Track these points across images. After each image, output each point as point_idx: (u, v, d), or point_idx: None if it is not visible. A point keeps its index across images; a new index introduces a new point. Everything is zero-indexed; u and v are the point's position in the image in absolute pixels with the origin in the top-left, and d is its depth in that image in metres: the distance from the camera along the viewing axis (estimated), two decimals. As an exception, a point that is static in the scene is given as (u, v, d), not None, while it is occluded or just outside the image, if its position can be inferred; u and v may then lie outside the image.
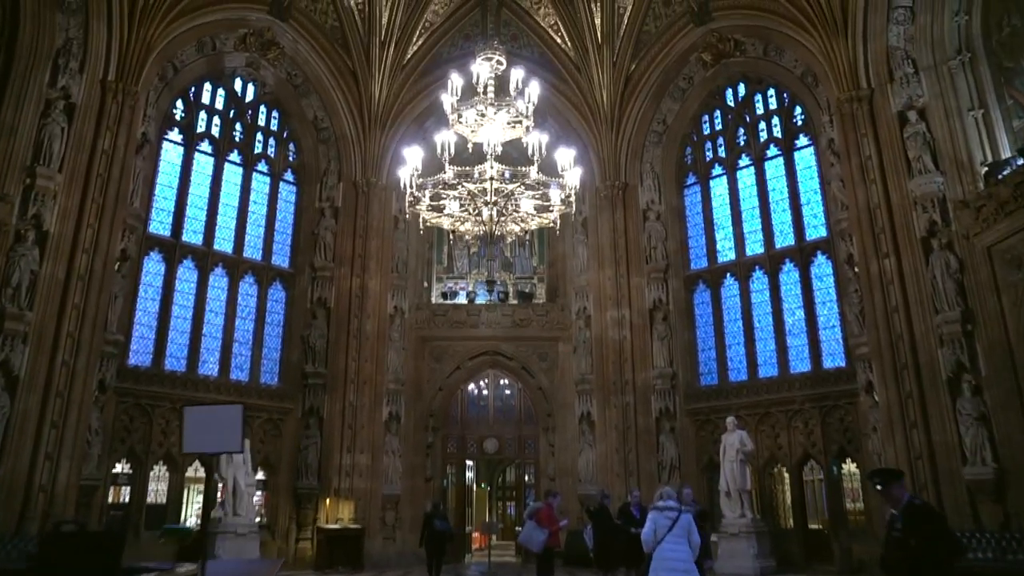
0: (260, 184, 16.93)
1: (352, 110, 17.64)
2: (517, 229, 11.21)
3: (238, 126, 16.74)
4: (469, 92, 10.44)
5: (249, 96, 17.03)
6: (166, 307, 14.72)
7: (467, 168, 9.98)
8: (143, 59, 13.96)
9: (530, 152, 10.01)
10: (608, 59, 17.59)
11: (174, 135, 15.57)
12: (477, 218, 10.61)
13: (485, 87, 10.38)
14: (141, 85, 14.12)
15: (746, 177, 16.80)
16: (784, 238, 15.82)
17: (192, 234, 15.48)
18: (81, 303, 12.42)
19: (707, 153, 17.60)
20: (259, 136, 17.08)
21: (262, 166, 17.04)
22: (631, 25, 17.28)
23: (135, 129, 14.06)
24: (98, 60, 13.36)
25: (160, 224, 15.02)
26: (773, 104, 16.57)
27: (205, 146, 16.06)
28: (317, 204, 17.43)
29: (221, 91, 16.52)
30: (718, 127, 17.50)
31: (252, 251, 16.43)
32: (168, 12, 14.31)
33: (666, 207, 17.64)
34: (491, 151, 9.62)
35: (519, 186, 10.20)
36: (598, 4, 17.13)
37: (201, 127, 16.04)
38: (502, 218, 10.65)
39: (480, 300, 18.35)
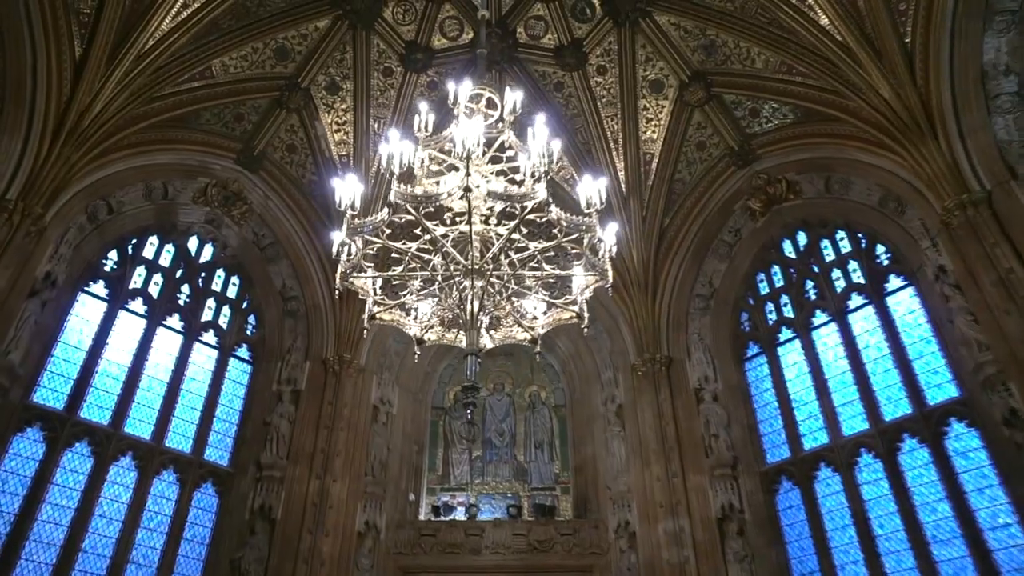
0: (204, 358, 13.31)
1: (328, 277, 14.57)
2: (520, 335, 7.39)
3: (185, 288, 13.59)
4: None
5: (205, 256, 14.11)
6: (30, 509, 10.33)
7: (435, 186, 6.45)
8: (61, 183, 11.25)
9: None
10: (637, 213, 14.78)
11: (97, 288, 12.36)
12: (451, 308, 6.88)
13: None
14: (55, 215, 11.31)
15: (826, 337, 12.95)
16: (895, 406, 11.53)
17: (96, 409, 11.56)
18: None
19: (768, 316, 13.96)
20: (210, 302, 13.84)
21: (209, 337, 13.55)
22: (661, 173, 14.72)
23: (33, 264, 10.93)
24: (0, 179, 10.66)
25: (51, 393, 11.20)
26: (846, 247, 13.28)
27: (137, 305, 12.77)
28: (275, 387, 13.60)
29: (170, 247, 13.63)
30: (778, 284, 14.06)
31: (179, 440, 12.31)
32: (106, 139, 11.93)
33: (724, 385, 13.59)
34: (469, 148, 6.09)
35: (515, 236, 6.59)
36: (620, 151, 14.74)
37: (136, 283, 12.88)
38: (493, 306, 6.91)
39: (485, 516, 13.65)
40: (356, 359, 14.14)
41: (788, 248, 14.15)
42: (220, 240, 14.29)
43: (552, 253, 6.79)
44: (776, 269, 14.20)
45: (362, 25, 13.61)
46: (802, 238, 13.99)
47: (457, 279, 6.69)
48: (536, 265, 6.85)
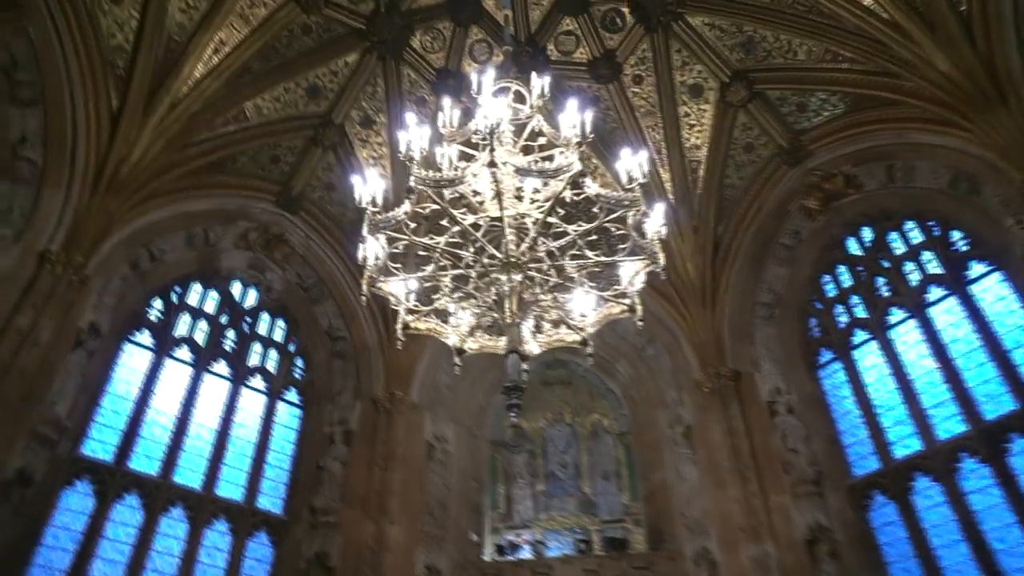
0: (252, 403, 13.01)
1: (375, 314, 14.25)
2: (569, 337, 6.75)
3: (231, 333, 13.40)
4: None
5: (250, 301, 13.95)
6: (81, 564, 10.00)
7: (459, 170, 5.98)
8: (102, 233, 11.24)
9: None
10: (688, 224, 14.11)
11: (142, 337, 12.23)
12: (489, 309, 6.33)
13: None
14: (97, 265, 11.25)
15: (905, 336, 11.94)
16: (996, 403, 10.42)
17: (144, 460, 11.29)
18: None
19: (838, 319, 13.00)
20: (257, 347, 13.61)
21: (257, 381, 13.27)
22: (709, 180, 14.06)
23: (77, 314, 10.86)
24: (42, 230, 10.67)
25: (99, 444, 10.98)
26: (917, 238, 12.33)
27: (183, 352, 12.59)
28: (326, 428, 13.21)
29: (214, 293, 13.51)
30: (846, 284, 13.13)
31: (230, 488, 11.93)
32: (144, 187, 11.94)
33: (798, 396, 12.63)
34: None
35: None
36: (665, 161, 14.17)
37: (182, 331, 12.74)
38: (535, 301, 6.34)
39: (552, 553, 12.82)
40: (407, 396, 13.69)
41: (853, 246, 13.24)
42: (264, 283, 14.14)
43: (594, 237, 6.20)
44: (842, 269, 13.27)
45: (391, 56, 13.52)
46: (867, 234, 13.08)
47: (493, 275, 6.17)
48: (578, 253, 6.28)
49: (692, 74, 13.63)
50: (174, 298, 12.93)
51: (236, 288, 13.86)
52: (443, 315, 6.80)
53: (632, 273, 6.43)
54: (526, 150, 6.91)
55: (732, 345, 13.31)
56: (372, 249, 6.11)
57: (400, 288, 6.55)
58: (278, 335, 14.05)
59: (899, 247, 12.53)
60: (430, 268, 6.23)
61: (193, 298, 13.19)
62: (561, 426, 14.72)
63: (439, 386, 14.32)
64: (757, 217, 13.87)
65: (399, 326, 6.52)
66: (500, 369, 6.53)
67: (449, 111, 6.92)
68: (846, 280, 13.17)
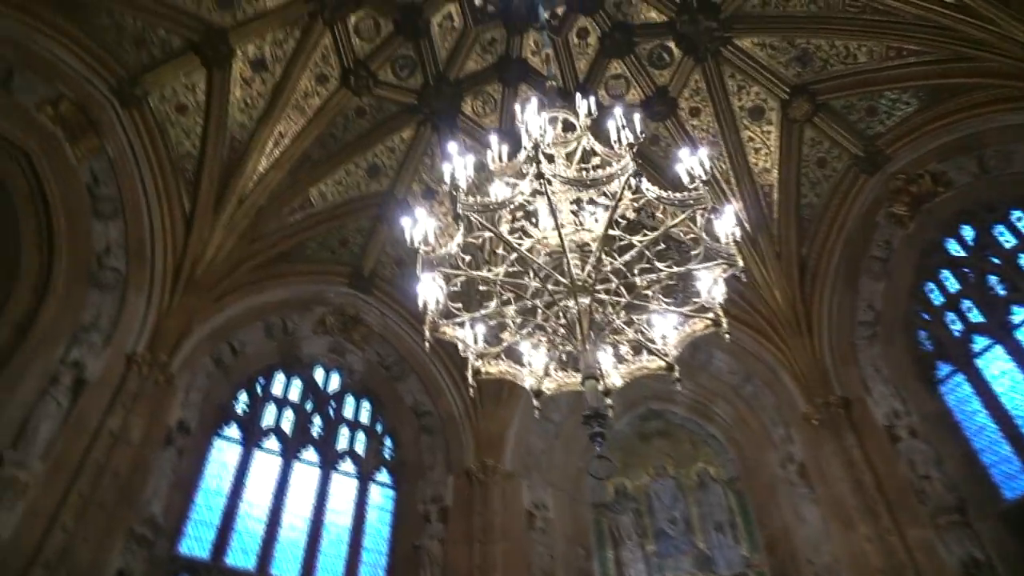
0: (344, 488, 12.76)
1: (459, 384, 13.98)
2: (653, 364, 6.21)
3: (317, 419, 13.33)
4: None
5: (333, 385, 13.93)
6: (185, 665, 9.79)
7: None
8: (184, 331, 11.52)
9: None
10: (769, 251, 13.40)
11: (231, 430, 12.28)
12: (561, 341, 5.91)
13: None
14: (181, 363, 11.49)
15: (1034, 333, 10.79)
16: None
17: (240, 554, 11.11)
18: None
19: (951, 327, 11.89)
20: (344, 430, 13.47)
21: (347, 465, 13.06)
22: (784, 203, 13.41)
23: (165, 413, 11.01)
24: (128, 333, 11.00)
25: (196, 542, 10.89)
26: (1027, 225, 11.30)
27: (271, 443, 12.55)
28: (420, 507, 12.79)
29: (297, 381, 13.56)
30: (953, 289, 12.06)
31: (328, 577, 11.60)
32: (220, 282, 12.26)
33: (919, 416, 11.46)
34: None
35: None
36: (736, 190, 13.61)
37: (268, 421, 12.76)
38: (608, 324, 5.89)
39: (672, 617, 11.83)
40: (500, 464, 13.20)
41: (954, 247, 12.23)
42: (345, 366, 14.14)
43: (663, 246, 5.77)
44: (946, 273, 12.23)
45: (446, 125, 13.68)
46: (968, 232, 12.09)
47: (560, 302, 5.79)
48: (647, 266, 5.84)
49: (750, 97, 13.23)
50: (259, 389, 13.02)
51: (319, 374, 13.89)
52: (516, 356, 6.45)
53: (710, 282, 5.93)
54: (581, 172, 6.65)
55: (836, 371, 12.34)
56: (429, 291, 5.85)
57: (467, 333, 6.24)
58: (364, 416, 13.91)
59: (1008, 240, 11.48)
60: (493, 304, 5.89)
61: (277, 387, 13.26)
62: (665, 480, 13.82)
63: (533, 451, 13.78)
64: (842, 233, 13.07)
65: (469, 372, 6.16)
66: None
67: (497, 146, 6.75)
68: (953, 285, 12.10)
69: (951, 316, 11.96)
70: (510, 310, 5.93)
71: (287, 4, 11.85)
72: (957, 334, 11.76)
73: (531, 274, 5.81)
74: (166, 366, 10.98)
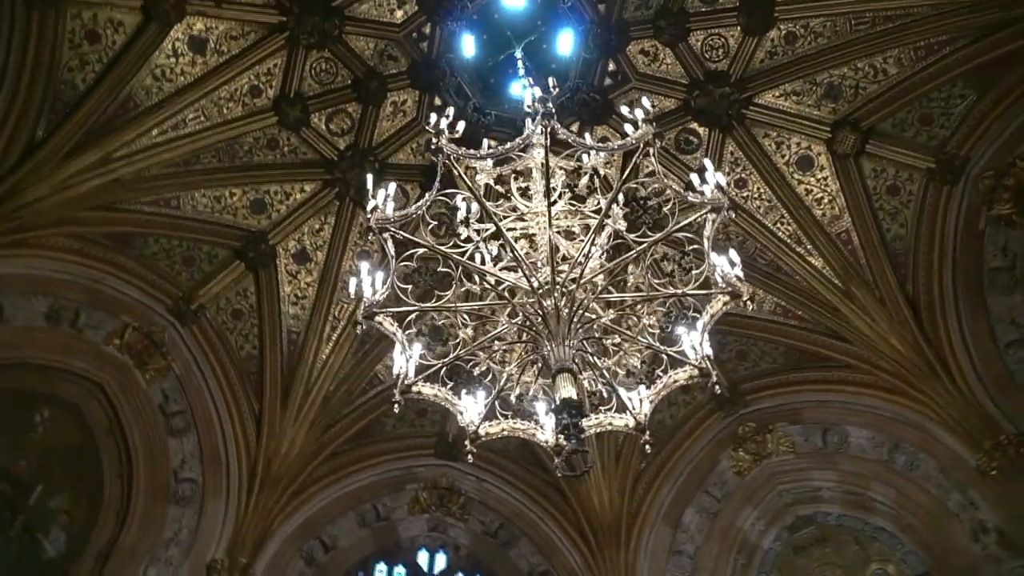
0: None
1: (570, 532, 12.53)
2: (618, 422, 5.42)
3: (427, 606, 12.10)
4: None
5: (440, 565, 12.77)
6: None
7: None
8: (264, 531, 11.10)
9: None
10: (869, 297, 11.74)
11: (332, 634, 11.25)
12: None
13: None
14: (267, 566, 11.02)
15: None
16: None
17: None
18: None
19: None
20: (459, 612, 12.11)
21: (465, 652, 11.54)
22: (867, 243, 11.86)
23: (252, 619, 10.26)
24: (208, 542, 10.67)
25: None
26: None
27: (377, 641, 11.36)
28: None
29: (400, 568, 12.52)
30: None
31: None
32: (297, 476, 11.89)
33: None
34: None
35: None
36: (808, 247, 12.33)
37: (373, 616, 11.67)
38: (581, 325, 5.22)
39: None
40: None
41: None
42: (450, 543, 13.04)
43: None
44: (1089, 258, 10.26)
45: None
46: None
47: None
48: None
49: (791, 149, 12.42)
50: (359, 584, 12.08)
51: (423, 557, 12.83)
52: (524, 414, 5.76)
53: (710, 313, 5.21)
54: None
55: (998, 405, 10.16)
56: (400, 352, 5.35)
57: (467, 401, 5.72)
58: (479, 591, 12.53)
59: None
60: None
61: (378, 579, 12.27)
62: (841, 594, 11.35)
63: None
64: (946, 252, 11.41)
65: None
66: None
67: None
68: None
69: (1114, 303, 9.82)
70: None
71: (314, 194, 12.51)
72: None
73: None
74: (246, 569, 10.45)
